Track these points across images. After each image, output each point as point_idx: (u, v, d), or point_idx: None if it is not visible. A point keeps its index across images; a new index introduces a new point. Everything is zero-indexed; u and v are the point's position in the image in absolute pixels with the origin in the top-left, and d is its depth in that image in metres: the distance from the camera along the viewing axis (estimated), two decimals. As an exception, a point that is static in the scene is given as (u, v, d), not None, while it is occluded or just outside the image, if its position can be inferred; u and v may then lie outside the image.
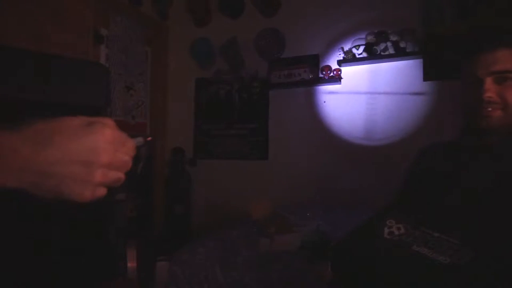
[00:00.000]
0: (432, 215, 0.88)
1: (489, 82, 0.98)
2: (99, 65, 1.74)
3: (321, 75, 2.95)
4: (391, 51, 2.67)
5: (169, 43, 3.50)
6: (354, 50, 2.80)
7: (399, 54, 2.65)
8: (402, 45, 2.65)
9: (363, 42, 2.78)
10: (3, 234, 0.85)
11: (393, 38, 2.67)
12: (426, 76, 2.62)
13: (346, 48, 2.84)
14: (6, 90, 0.94)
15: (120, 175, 0.48)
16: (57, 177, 0.43)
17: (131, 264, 1.31)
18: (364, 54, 2.77)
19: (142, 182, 3.22)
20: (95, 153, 0.45)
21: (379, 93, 2.80)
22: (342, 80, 2.89)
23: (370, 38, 2.75)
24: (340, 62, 2.87)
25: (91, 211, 1.07)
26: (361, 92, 2.86)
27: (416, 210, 0.94)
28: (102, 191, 0.47)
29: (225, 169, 3.29)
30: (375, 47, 2.71)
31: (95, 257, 1.06)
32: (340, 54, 2.87)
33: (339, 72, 2.89)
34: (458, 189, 0.93)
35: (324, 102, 2.99)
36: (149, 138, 0.55)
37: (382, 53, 2.69)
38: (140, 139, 0.53)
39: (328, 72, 2.92)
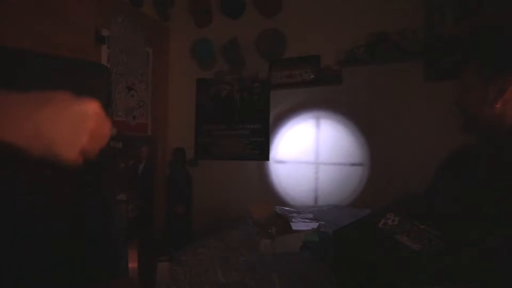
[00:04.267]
0: (428, 211, 0.98)
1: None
2: (100, 65, 1.74)
3: (322, 76, 2.95)
4: (392, 51, 2.67)
5: (170, 44, 3.51)
6: (355, 51, 2.80)
7: (400, 54, 2.65)
8: (403, 45, 2.64)
9: (364, 43, 2.78)
10: (3, 235, 0.85)
11: (394, 38, 2.67)
12: (428, 77, 2.62)
13: (347, 49, 2.84)
14: (6, 91, 0.94)
15: (98, 147, 0.55)
16: (50, 138, 0.49)
17: (132, 264, 1.31)
18: (365, 55, 2.76)
19: (143, 182, 3.22)
20: (84, 121, 0.51)
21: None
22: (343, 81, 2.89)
23: (371, 38, 2.75)
24: (341, 63, 2.87)
25: (92, 211, 1.07)
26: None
27: (418, 205, 1.02)
28: (83, 157, 0.53)
29: (226, 170, 3.29)
30: (376, 47, 2.71)
31: (96, 257, 1.06)
32: (341, 55, 2.87)
33: (340, 73, 2.89)
34: (459, 189, 0.97)
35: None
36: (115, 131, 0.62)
37: (383, 54, 2.69)
38: (114, 129, 0.59)
39: (329, 72, 2.92)
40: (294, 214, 2.51)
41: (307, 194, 2.98)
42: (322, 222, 2.24)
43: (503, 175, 0.93)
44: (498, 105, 0.99)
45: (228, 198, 3.18)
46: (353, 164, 2.85)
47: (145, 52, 3.31)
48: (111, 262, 1.13)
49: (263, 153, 3.19)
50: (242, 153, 3.27)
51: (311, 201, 2.95)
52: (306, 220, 2.42)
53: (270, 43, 3.12)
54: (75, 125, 0.50)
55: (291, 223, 2.29)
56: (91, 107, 0.53)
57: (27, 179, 0.92)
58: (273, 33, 3.11)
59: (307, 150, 3.01)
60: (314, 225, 2.24)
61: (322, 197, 2.93)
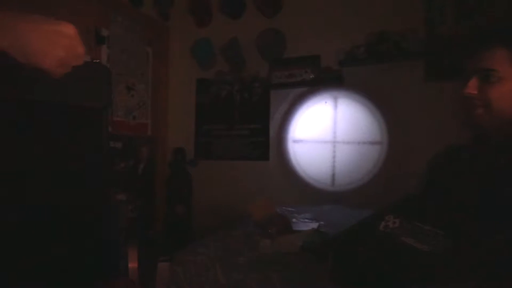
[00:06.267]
0: (428, 212, 0.96)
1: (474, 79, 1.01)
2: (100, 65, 1.74)
3: (322, 76, 2.95)
4: (392, 51, 2.67)
5: (170, 44, 3.50)
6: (355, 51, 2.80)
7: (400, 54, 2.65)
8: (403, 45, 2.64)
9: (364, 43, 2.78)
10: (4, 233, 0.85)
11: (394, 38, 2.67)
12: (428, 77, 2.62)
13: (347, 49, 2.84)
14: (6, 90, 0.94)
15: (72, 63, 0.66)
16: (34, 45, 0.60)
17: (132, 265, 1.31)
18: (365, 55, 2.76)
19: (143, 183, 3.22)
20: (59, 38, 0.63)
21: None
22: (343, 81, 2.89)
23: (371, 38, 2.75)
24: (341, 63, 2.87)
25: (92, 211, 1.07)
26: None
27: (416, 207, 1.01)
28: (60, 69, 0.64)
29: (226, 170, 3.28)
30: (376, 47, 2.71)
31: (96, 257, 1.06)
32: (341, 55, 2.87)
33: (341, 73, 2.89)
34: (458, 189, 0.97)
35: (326, 102, 2.99)
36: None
37: (383, 54, 2.69)
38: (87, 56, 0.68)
39: (329, 73, 2.91)
40: (294, 214, 2.51)
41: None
42: (322, 222, 2.24)
43: (500, 175, 0.94)
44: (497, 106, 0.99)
45: (228, 199, 3.18)
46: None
47: (145, 52, 3.31)
48: (111, 262, 1.13)
49: (263, 153, 3.19)
50: (242, 153, 3.26)
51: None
52: (306, 220, 2.42)
53: (270, 43, 3.12)
54: (51, 40, 0.62)
55: (291, 223, 2.29)
56: (66, 28, 0.64)
57: (29, 180, 0.92)
58: (273, 33, 3.11)
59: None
60: (314, 225, 2.24)
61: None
